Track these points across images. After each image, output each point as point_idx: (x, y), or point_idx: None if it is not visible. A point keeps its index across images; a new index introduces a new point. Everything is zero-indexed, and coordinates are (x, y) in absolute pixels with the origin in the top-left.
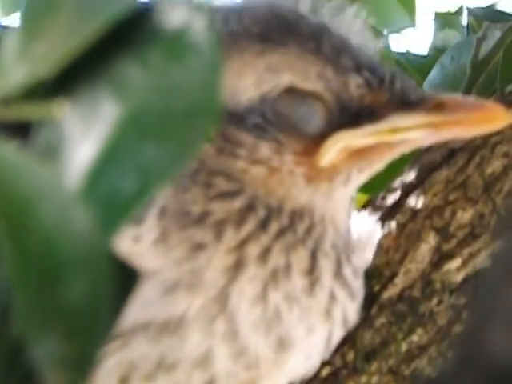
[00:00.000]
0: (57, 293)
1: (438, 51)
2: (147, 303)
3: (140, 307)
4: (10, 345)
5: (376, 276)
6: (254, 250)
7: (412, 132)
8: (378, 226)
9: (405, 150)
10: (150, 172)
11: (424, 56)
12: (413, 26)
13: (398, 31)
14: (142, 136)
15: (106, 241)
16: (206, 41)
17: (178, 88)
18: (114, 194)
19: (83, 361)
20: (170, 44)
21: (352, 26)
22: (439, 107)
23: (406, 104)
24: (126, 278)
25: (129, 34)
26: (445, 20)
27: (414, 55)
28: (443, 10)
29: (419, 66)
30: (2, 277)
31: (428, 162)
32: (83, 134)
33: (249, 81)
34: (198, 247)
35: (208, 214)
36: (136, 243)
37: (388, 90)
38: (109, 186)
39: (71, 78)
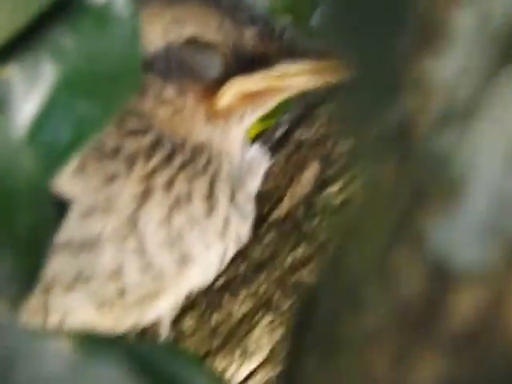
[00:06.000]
0: (8, 224)
1: None
2: (67, 225)
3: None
4: None
5: (266, 199)
6: (160, 179)
7: (298, 77)
8: (267, 155)
9: (292, 93)
10: (83, 124)
11: None
12: None
13: None
14: (74, 94)
15: (47, 181)
16: (128, 13)
17: (104, 53)
18: (53, 143)
19: (31, 276)
20: (97, 15)
21: None
22: (323, 56)
23: (293, 53)
24: (59, 208)
25: (62, 7)
26: None
27: None
28: None
29: None
30: None
31: (312, 98)
32: (26, 92)
33: (156, 30)
34: (112, 177)
35: (121, 149)
36: None
37: (278, 40)
38: (49, 135)
39: (16, 47)
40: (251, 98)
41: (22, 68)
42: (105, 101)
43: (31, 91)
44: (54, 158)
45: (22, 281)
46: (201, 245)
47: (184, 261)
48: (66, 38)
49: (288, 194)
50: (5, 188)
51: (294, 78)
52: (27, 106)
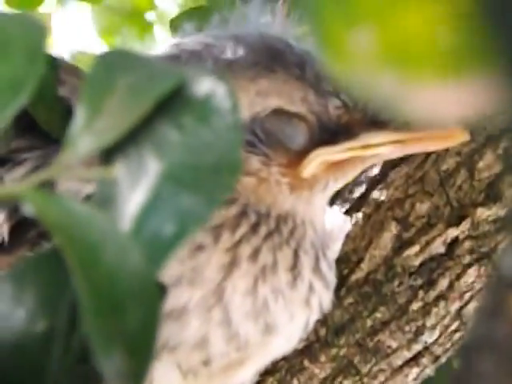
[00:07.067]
0: (118, 318)
1: None
2: None
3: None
4: (76, 352)
5: (345, 261)
6: (246, 250)
7: (381, 148)
8: (348, 219)
9: (375, 162)
10: (187, 217)
11: None
12: None
13: None
14: (178, 187)
15: (153, 275)
16: (228, 104)
17: (207, 145)
18: (158, 236)
19: (140, 374)
20: (198, 108)
21: None
22: (405, 126)
23: (376, 123)
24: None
25: (164, 101)
26: None
27: None
28: None
29: None
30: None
31: (390, 159)
32: (131, 188)
33: (242, 103)
34: (199, 248)
35: None
36: None
37: (361, 111)
38: (153, 229)
39: (122, 143)
40: (335, 167)
41: (127, 164)
42: (208, 193)
43: (136, 186)
44: (160, 252)
45: (132, 378)
46: (285, 314)
47: (268, 330)
48: (168, 132)
49: (367, 255)
50: (115, 283)
51: (377, 148)
52: (132, 201)
